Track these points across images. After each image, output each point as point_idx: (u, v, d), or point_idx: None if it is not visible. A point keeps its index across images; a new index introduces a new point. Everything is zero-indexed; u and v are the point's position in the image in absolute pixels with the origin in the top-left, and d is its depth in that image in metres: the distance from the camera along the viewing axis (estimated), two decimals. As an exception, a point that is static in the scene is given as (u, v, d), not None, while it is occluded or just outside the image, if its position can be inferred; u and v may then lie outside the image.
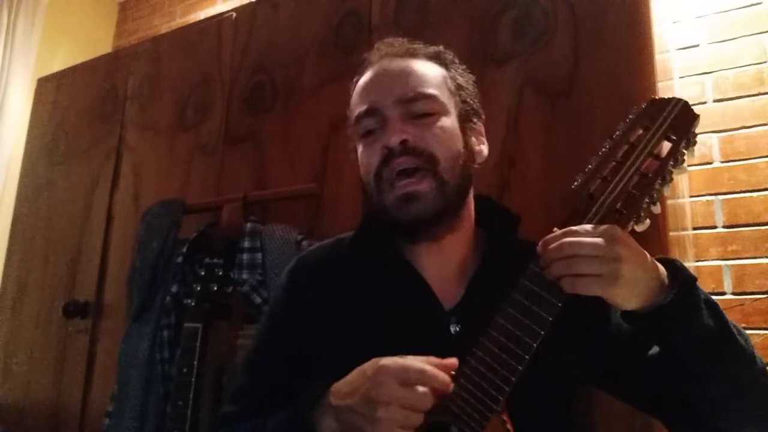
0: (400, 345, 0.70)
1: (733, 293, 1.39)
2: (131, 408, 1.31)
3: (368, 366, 0.61)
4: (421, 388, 0.57)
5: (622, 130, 0.66)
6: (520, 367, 0.60)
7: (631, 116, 0.66)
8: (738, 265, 1.40)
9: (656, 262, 0.63)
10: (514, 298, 0.63)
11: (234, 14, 1.63)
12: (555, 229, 0.64)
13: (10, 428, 1.73)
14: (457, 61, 0.84)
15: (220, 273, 1.25)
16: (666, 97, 0.66)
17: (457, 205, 0.77)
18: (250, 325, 1.27)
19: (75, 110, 1.93)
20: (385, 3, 1.35)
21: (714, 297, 1.47)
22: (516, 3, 1.18)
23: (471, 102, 0.81)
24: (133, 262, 1.47)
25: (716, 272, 1.42)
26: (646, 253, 0.62)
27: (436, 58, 0.81)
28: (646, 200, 0.62)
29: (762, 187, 1.41)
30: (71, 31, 2.76)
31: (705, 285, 1.41)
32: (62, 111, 1.97)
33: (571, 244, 0.60)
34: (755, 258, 1.39)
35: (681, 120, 0.64)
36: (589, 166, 0.66)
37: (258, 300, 1.25)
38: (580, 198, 0.65)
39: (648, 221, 0.63)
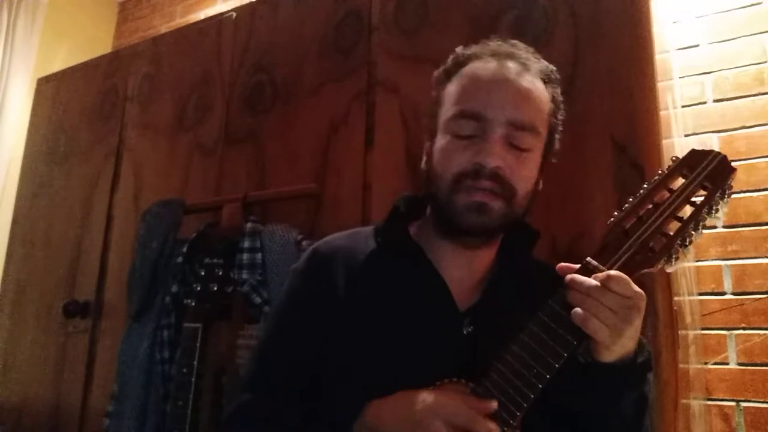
0: (413, 340, 0.73)
1: (733, 293, 1.39)
2: (131, 408, 1.31)
3: (417, 400, 0.62)
4: None
5: (662, 175, 0.70)
6: (540, 386, 0.62)
7: (671, 164, 0.70)
8: (738, 265, 1.40)
9: None
10: (540, 318, 0.65)
11: (234, 14, 1.63)
12: (588, 258, 0.66)
13: (10, 428, 1.73)
14: (559, 85, 0.81)
15: (220, 273, 1.25)
16: (705, 149, 0.71)
17: (508, 227, 0.79)
18: (250, 325, 1.27)
19: (75, 110, 1.93)
20: (385, 3, 1.35)
21: (714, 297, 1.48)
22: (516, 3, 1.18)
23: (557, 140, 0.81)
24: (133, 262, 1.47)
25: (716, 272, 1.42)
26: None
27: (548, 81, 0.79)
28: (678, 242, 0.66)
29: (762, 187, 1.41)
30: (71, 31, 2.75)
31: (705, 285, 1.42)
32: (62, 111, 1.97)
33: (600, 290, 0.62)
34: (755, 258, 1.39)
35: (718, 171, 0.68)
36: (626, 205, 0.69)
37: (258, 300, 1.25)
38: (615, 233, 0.68)
39: (678, 263, 0.67)
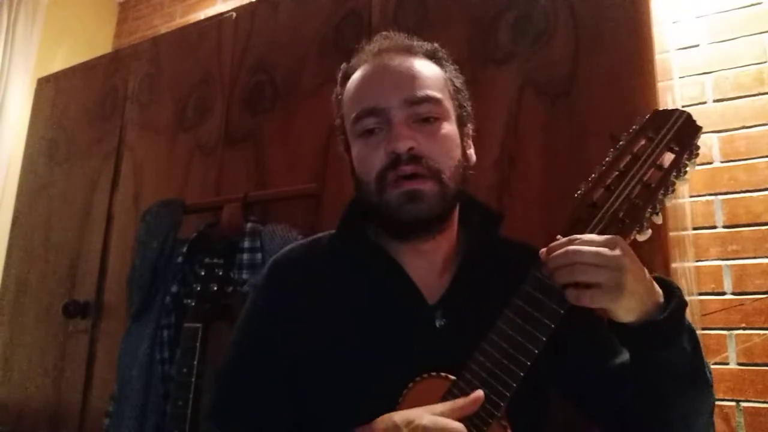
0: (386, 340, 0.71)
1: (733, 293, 1.39)
2: (131, 408, 1.31)
3: (401, 420, 0.60)
4: None
5: (626, 140, 0.66)
6: (521, 373, 0.61)
7: (634, 127, 0.67)
8: (738, 265, 1.40)
9: (653, 280, 0.64)
10: (515, 303, 0.63)
11: (234, 14, 1.63)
12: (558, 237, 0.63)
13: (10, 428, 1.73)
14: (450, 60, 0.82)
15: (220, 273, 1.25)
16: (669, 108, 0.67)
17: (453, 209, 0.77)
18: (250, 325, 1.27)
19: (75, 110, 1.93)
20: (385, 3, 1.35)
21: (714, 297, 1.48)
22: (516, 3, 1.18)
23: (466, 106, 0.80)
24: (133, 262, 1.47)
25: (716, 272, 1.42)
26: (645, 269, 0.62)
27: (434, 57, 0.80)
28: (649, 210, 0.63)
29: (762, 187, 1.41)
30: (71, 31, 2.75)
31: (705, 285, 1.41)
32: (62, 111, 1.97)
33: (575, 252, 0.60)
34: (755, 258, 1.39)
35: (684, 132, 0.64)
36: (593, 176, 0.66)
37: (258, 300, 1.25)
38: (583, 207, 0.65)
39: (650, 231, 0.64)
